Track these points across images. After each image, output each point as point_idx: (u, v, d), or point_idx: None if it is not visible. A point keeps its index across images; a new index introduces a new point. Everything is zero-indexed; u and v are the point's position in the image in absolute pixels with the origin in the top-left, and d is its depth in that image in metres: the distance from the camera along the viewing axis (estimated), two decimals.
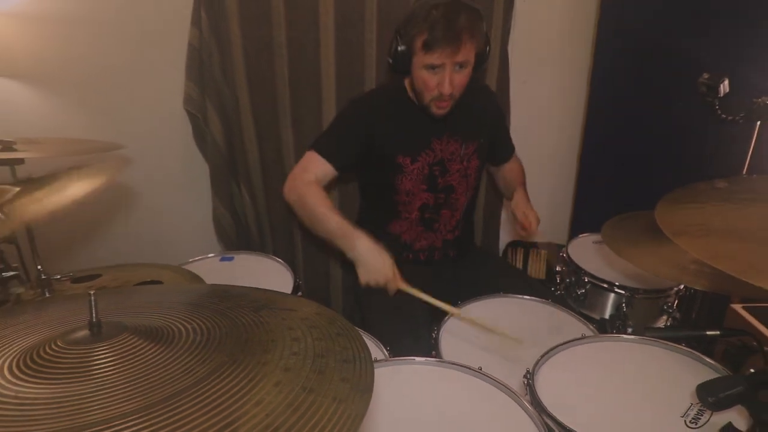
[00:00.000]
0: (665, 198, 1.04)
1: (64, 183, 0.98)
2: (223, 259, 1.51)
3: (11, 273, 1.06)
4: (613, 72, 1.73)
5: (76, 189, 0.94)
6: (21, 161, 1.24)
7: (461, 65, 1.26)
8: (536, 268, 2.09)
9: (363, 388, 0.54)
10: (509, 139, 1.67)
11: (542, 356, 0.91)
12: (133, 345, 0.57)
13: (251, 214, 1.77)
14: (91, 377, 0.52)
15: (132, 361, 0.54)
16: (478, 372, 0.88)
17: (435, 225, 1.49)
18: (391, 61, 1.33)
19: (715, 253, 0.76)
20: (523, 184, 1.66)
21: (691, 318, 1.28)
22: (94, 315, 0.57)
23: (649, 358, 0.93)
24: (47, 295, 0.93)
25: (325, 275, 1.91)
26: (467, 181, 1.47)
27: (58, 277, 0.96)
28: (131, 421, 0.45)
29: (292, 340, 0.63)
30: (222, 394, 0.50)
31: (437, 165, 1.42)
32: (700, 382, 0.70)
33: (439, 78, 1.25)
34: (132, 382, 0.51)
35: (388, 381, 0.89)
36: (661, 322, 1.41)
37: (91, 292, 0.57)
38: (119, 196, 1.80)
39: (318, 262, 1.88)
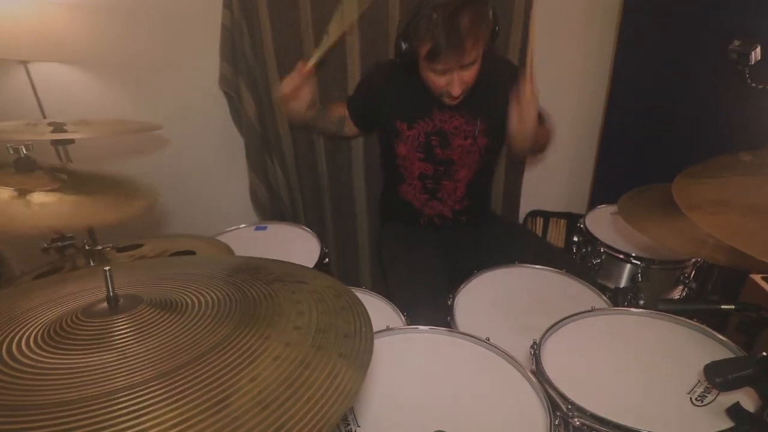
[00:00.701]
0: (685, 171, 0.94)
1: (99, 196, 0.97)
2: (257, 229, 1.51)
3: (67, 242, 1.09)
4: (640, 40, 1.57)
5: (108, 210, 0.93)
6: (71, 141, 1.25)
7: (469, 64, 1.17)
8: (556, 236, 2.01)
9: (359, 365, 0.52)
10: None
11: (550, 328, 0.86)
12: (148, 317, 0.56)
13: (284, 186, 1.76)
14: (110, 348, 0.52)
15: (143, 333, 0.53)
16: (486, 342, 0.84)
17: (438, 194, 1.44)
18: (398, 60, 1.26)
19: (731, 230, 0.68)
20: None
21: (707, 289, 1.18)
22: (110, 290, 0.56)
23: (658, 332, 0.86)
24: (92, 263, 0.94)
25: (354, 244, 1.90)
26: (471, 157, 1.38)
27: (100, 248, 0.97)
28: (130, 394, 0.44)
29: (297, 314, 0.60)
30: (222, 368, 0.48)
31: (435, 135, 1.35)
32: (709, 358, 0.64)
33: (447, 79, 1.18)
34: (136, 356, 0.49)
35: (394, 349, 0.87)
36: (677, 293, 1.32)
37: (107, 269, 0.56)
38: (165, 170, 1.82)
39: (347, 232, 1.86)
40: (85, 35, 1.61)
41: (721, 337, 0.80)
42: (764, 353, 0.56)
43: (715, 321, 1.12)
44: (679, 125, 1.56)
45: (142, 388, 0.45)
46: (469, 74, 1.19)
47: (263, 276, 0.72)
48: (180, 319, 0.57)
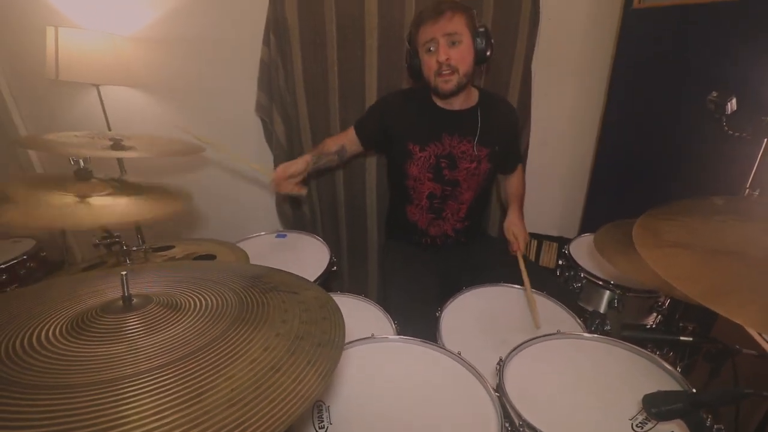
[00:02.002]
0: (653, 210, 0.92)
1: (147, 198, 1.02)
2: (278, 236, 1.55)
3: (114, 240, 1.15)
4: (629, 87, 1.55)
5: (153, 208, 0.98)
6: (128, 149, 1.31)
7: (453, 41, 1.21)
8: (548, 258, 1.97)
9: (323, 372, 0.53)
10: (518, 154, 1.55)
11: (516, 347, 0.85)
12: (156, 316, 0.59)
13: (305, 200, 1.79)
14: (121, 341, 0.54)
15: (149, 330, 0.56)
16: (456, 356, 0.84)
17: (443, 214, 1.44)
18: (406, 65, 1.34)
19: (679, 272, 0.66)
20: (520, 199, 1.53)
21: (675, 318, 1.14)
22: (126, 291, 0.60)
23: (614, 359, 0.84)
24: (128, 262, 0.99)
25: (364, 255, 1.91)
26: (474, 180, 1.39)
27: (135, 248, 1.02)
28: (124, 383, 0.46)
29: (281, 321, 0.62)
30: (205, 366, 0.50)
31: (445, 158, 1.36)
32: (654, 388, 0.62)
33: (436, 56, 1.23)
34: (140, 350, 0.52)
35: (374, 355, 0.87)
36: (651, 319, 1.28)
37: (123, 273, 0.59)
38: (206, 181, 1.89)
39: (358, 243, 1.88)
40: (147, 64, 1.71)
41: (668, 367, 0.77)
42: (694, 390, 0.54)
43: (686, 350, 1.08)
44: (663, 165, 1.52)
45: (133, 379, 0.47)
46: (456, 52, 1.22)
47: (262, 284, 0.74)
48: (182, 318, 0.60)
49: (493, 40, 1.26)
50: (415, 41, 1.27)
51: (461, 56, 1.23)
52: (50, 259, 1.67)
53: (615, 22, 1.51)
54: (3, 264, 1.45)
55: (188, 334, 0.56)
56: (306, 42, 1.57)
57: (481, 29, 1.24)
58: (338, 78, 1.62)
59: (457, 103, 1.35)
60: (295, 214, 1.82)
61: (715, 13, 1.30)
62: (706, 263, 0.69)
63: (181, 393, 0.46)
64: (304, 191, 1.41)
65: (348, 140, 1.48)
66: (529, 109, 1.71)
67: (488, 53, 1.26)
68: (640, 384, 0.75)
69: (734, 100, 1.12)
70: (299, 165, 1.40)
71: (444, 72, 1.23)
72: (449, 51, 1.21)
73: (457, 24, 1.20)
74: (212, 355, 0.52)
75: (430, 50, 1.24)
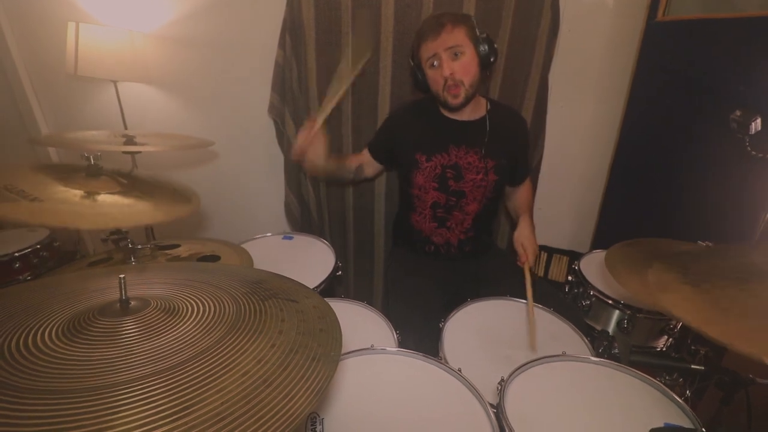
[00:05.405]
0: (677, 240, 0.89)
1: (155, 200, 1.02)
2: (284, 237, 1.54)
3: (122, 236, 1.16)
4: (649, 102, 1.50)
5: (161, 212, 0.97)
6: (139, 152, 1.33)
7: (456, 53, 1.20)
8: (557, 272, 1.93)
9: (316, 389, 0.51)
10: (526, 167, 1.52)
11: (519, 367, 0.83)
12: (153, 320, 0.58)
13: (313, 202, 1.79)
14: (115, 346, 0.54)
15: (145, 335, 0.55)
16: (457, 372, 0.82)
17: (447, 223, 1.42)
18: (412, 79, 1.35)
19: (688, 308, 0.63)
20: (530, 209, 1.48)
21: (686, 344, 1.10)
22: (123, 294, 0.59)
23: (619, 385, 0.81)
24: (133, 261, 0.99)
25: (370, 260, 1.89)
26: (480, 191, 1.36)
27: (140, 246, 1.02)
28: (113, 391, 0.46)
29: (278, 332, 0.60)
30: (196, 377, 0.49)
31: (451, 168, 1.34)
32: (660, 421, 0.60)
33: (441, 71, 1.22)
34: (135, 356, 0.51)
35: (373, 367, 0.85)
36: (662, 342, 1.24)
37: (121, 276, 0.59)
38: (216, 180, 1.90)
39: (365, 248, 1.86)
40: (165, 62, 1.72)
41: (677, 398, 0.73)
42: (703, 429, 0.51)
43: (697, 376, 1.04)
44: (681, 183, 1.47)
45: (123, 387, 0.46)
46: (460, 65, 1.21)
47: (261, 291, 0.73)
48: (179, 323, 0.59)
49: (496, 45, 1.24)
50: (418, 56, 1.27)
51: (465, 68, 1.22)
52: (63, 249, 1.69)
53: (637, 35, 1.47)
54: (17, 252, 1.47)
55: (183, 341, 0.55)
56: (321, 44, 1.57)
57: (483, 36, 1.23)
58: (351, 81, 1.61)
59: (465, 114, 1.34)
60: (302, 215, 1.82)
61: (742, 27, 1.26)
62: (716, 297, 0.66)
63: (170, 405, 0.45)
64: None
65: (365, 161, 1.50)
66: (545, 120, 1.67)
67: (492, 59, 1.25)
68: (646, 415, 0.72)
69: (759, 120, 1.08)
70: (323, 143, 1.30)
71: (450, 86, 1.22)
72: (452, 65, 1.20)
73: (458, 36, 1.19)
74: (205, 364, 0.51)
75: (433, 65, 1.23)
